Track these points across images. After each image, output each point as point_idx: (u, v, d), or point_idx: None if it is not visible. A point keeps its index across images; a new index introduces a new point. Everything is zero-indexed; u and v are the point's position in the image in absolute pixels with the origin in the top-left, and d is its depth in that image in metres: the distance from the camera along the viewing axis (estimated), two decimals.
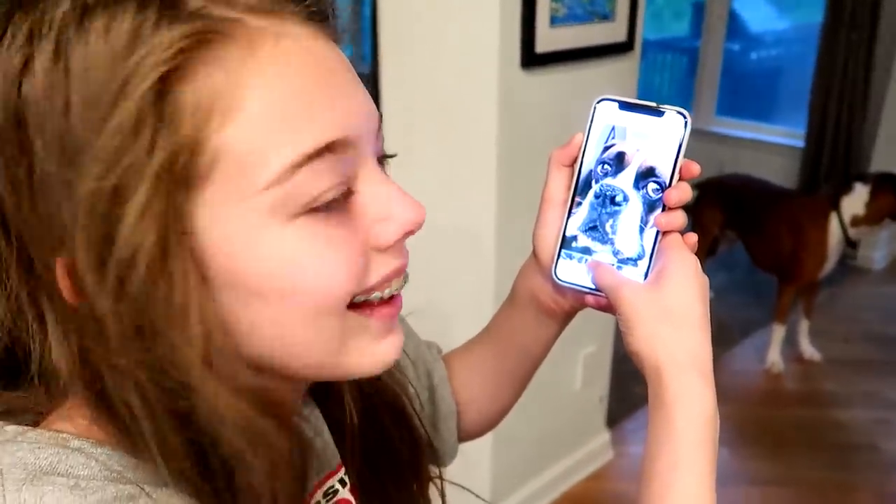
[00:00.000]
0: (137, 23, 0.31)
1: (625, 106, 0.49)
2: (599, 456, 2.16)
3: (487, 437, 1.74)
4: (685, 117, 0.48)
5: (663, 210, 0.48)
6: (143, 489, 0.34)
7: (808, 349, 2.72)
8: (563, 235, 0.51)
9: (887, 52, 3.32)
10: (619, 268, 0.49)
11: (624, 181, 0.49)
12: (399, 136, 1.55)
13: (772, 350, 2.66)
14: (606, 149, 0.49)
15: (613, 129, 0.49)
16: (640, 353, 0.47)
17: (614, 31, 1.63)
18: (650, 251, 0.48)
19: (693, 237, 0.50)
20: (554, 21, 1.49)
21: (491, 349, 0.65)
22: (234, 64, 0.33)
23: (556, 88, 1.57)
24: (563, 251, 0.51)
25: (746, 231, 2.82)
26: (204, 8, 0.33)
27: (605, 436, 2.18)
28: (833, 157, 3.63)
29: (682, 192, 0.48)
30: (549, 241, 0.52)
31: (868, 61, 3.42)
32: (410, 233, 0.40)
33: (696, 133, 2.66)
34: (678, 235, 0.49)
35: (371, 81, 1.52)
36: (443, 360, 0.67)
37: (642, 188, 0.49)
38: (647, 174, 0.48)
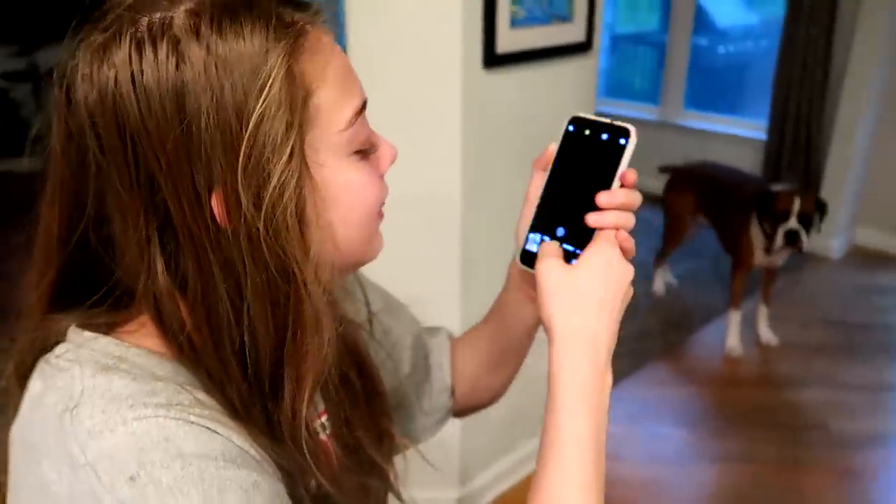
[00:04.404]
0: (264, 29, 0.46)
1: (588, 122, 0.58)
2: None
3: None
4: (630, 133, 0.56)
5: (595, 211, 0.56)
6: (186, 389, 0.47)
7: (766, 334, 2.84)
8: (529, 229, 0.60)
9: (845, 46, 3.44)
10: (579, 251, 0.57)
11: (578, 185, 0.57)
12: None
13: (730, 335, 2.78)
14: (570, 157, 0.58)
15: (578, 140, 0.58)
16: (544, 322, 0.55)
17: (573, 32, 1.71)
18: (585, 244, 0.56)
19: (628, 239, 0.57)
20: (514, 23, 1.56)
21: (488, 329, 0.76)
22: (314, 52, 0.48)
23: (518, 87, 1.65)
24: (526, 242, 0.60)
25: (715, 217, 2.93)
26: (294, 18, 0.48)
27: None
28: (794, 148, 3.75)
29: (615, 197, 0.55)
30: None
31: (826, 55, 3.54)
32: (393, 162, 0.57)
33: (664, 125, 2.80)
34: (610, 233, 0.55)
35: None
36: (451, 341, 0.79)
37: (590, 191, 0.56)
38: (595, 180, 0.56)
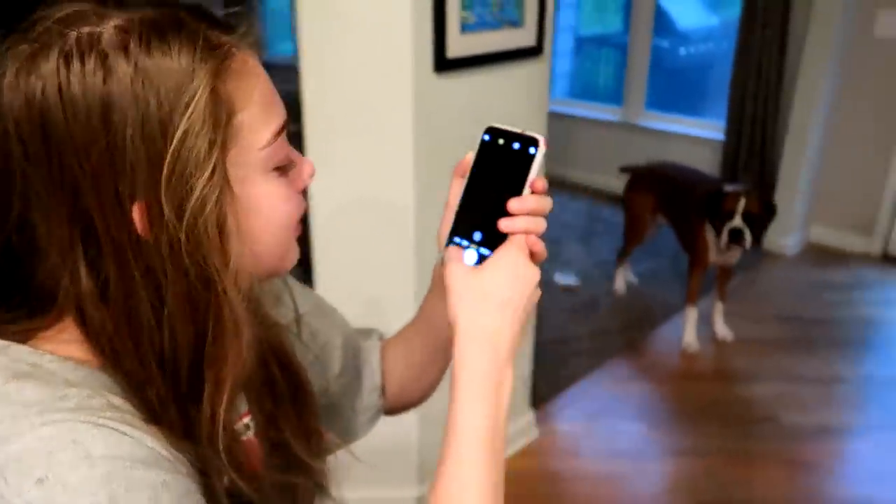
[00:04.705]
0: (192, 49, 0.48)
1: (502, 132, 0.60)
2: (525, 434, 2.29)
3: (414, 417, 1.84)
4: (539, 142, 0.59)
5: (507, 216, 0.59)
6: (100, 393, 0.48)
7: (722, 329, 2.91)
8: (449, 234, 0.62)
9: (798, 49, 3.53)
10: (477, 261, 0.60)
11: (492, 192, 0.60)
12: (320, 139, 1.63)
13: (687, 331, 2.84)
14: (486, 165, 0.61)
15: (493, 149, 0.61)
16: (450, 321, 0.57)
17: (524, 37, 1.74)
18: (493, 245, 0.59)
19: (537, 243, 0.60)
20: (465, 28, 1.59)
21: (416, 330, 0.78)
22: (239, 74, 0.51)
23: (470, 91, 1.68)
24: (448, 245, 0.62)
25: (673, 216, 3.00)
26: (221, 41, 0.50)
27: (529, 415, 2.31)
28: (750, 149, 3.85)
29: (525, 203, 0.58)
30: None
31: (780, 58, 3.63)
32: (311, 178, 0.60)
33: (625, 126, 2.87)
34: (520, 237, 0.58)
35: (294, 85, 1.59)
36: (382, 342, 0.81)
37: (503, 198, 0.59)
38: (508, 186, 0.59)
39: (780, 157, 3.70)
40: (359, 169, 1.66)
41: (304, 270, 1.84)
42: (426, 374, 0.79)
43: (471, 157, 0.62)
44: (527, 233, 0.58)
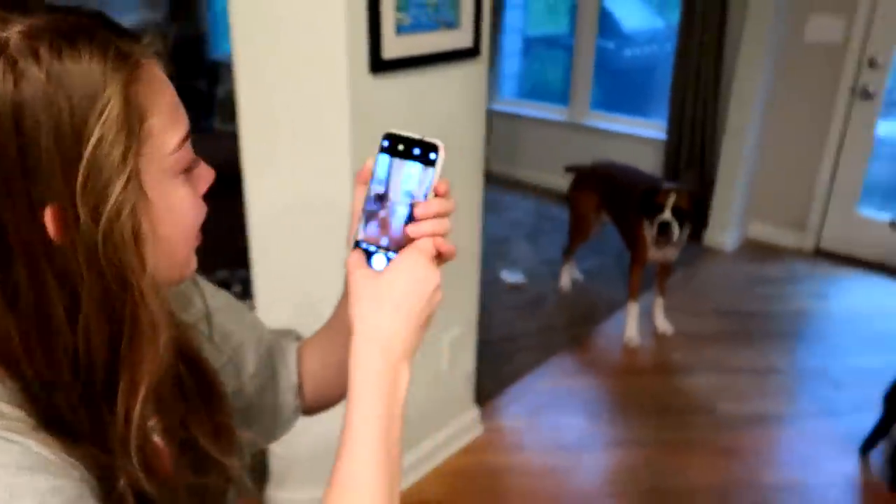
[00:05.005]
0: (103, 57, 0.49)
1: (401, 138, 0.61)
2: (469, 431, 2.32)
3: None
4: (438, 148, 0.60)
5: (413, 221, 0.61)
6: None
7: (662, 324, 3.00)
8: (355, 238, 0.63)
9: (735, 51, 3.65)
10: (387, 265, 0.61)
11: (395, 197, 0.61)
12: (256, 140, 1.63)
13: (628, 326, 2.92)
14: (386, 171, 0.62)
15: (393, 155, 0.62)
16: (350, 323, 0.59)
17: (460, 38, 1.77)
18: (399, 250, 0.61)
19: (444, 244, 0.61)
20: (400, 29, 1.61)
21: (331, 331, 0.79)
22: (148, 82, 0.52)
23: (407, 92, 1.70)
24: (358, 246, 0.63)
25: (615, 214, 3.07)
26: (131, 49, 0.51)
27: (473, 412, 2.34)
28: (691, 148, 3.96)
29: (430, 207, 0.60)
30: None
31: (718, 60, 3.75)
32: (210, 185, 0.61)
33: (571, 126, 2.95)
34: (427, 241, 0.60)
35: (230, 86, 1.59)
36: (301, 343, 0.82)
37: (406, 203, 0.61)
38: (409, 192, 0.61)
39: (719, 156, 3.82)
40: (296, 170, 1.66)
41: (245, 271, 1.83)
42: (343, 373, 0.80)
43: (371, 163, 0.63)
44: (433, 235, 0.60)
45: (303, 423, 1.81)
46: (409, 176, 0.61)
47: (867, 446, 2.30)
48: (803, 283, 3.51)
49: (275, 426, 0.81)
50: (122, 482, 0.52)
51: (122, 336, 0.51)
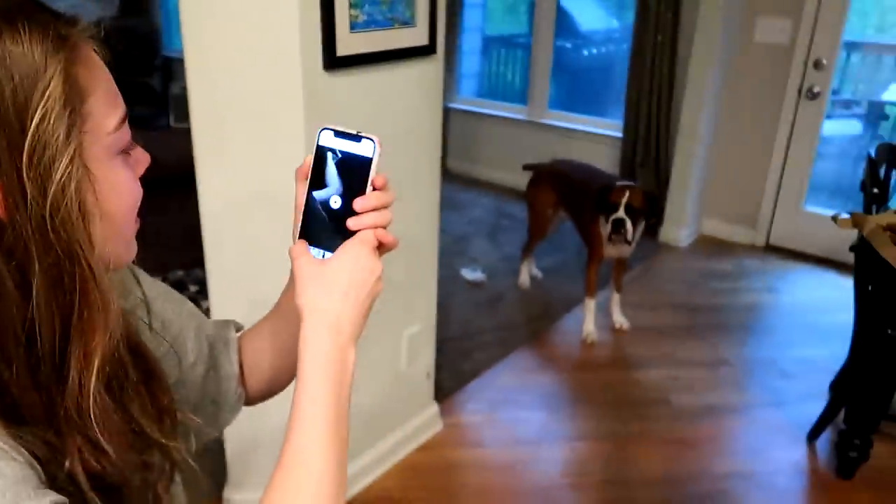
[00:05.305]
0: (44, 38, 0.50)
1: (338, 133, 0.63)
2: (429, 427, 2.33)
3: None
4: (374, 142, 0.62)
5: (353, 213, 0.63)
6: None
7: (619, 319, 3.05)
8: (299, 234, 0.65)
9: (687, 52, 3.73)
10: (324, 255, 0.63)
11: (334, 191, 0.63)
12: (209, 137, 1.61)
13: (586, 322, 2.96)
14: (325, 166, 0.63)
15: (331, 150, 0.63)
16: (298, 307, 0.61)
17: (416, 36, 1.78)
18: (342, 242, 0.63)
19: (386, 235, 0.64)
20: (354, 27, 1.61)
21: (272, 322, 0.81)
22: (87, 63, 0.54)
23: (362, 89, 1.70)
24: (298, 241, 0.65)
25: (572, 212, 3.12)
26: (70, 32, 0.53)
27: (433, 408, 2.35)
28: (646, 147, 4.04)
29: (368, 200, 0.63)
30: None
31: (671, 60, 3.83)
32: (146, 167, 0.62)
33: (530, 125, 2.99)
34: (368, 232, 0.63)
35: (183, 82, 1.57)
36: (243, 333, 0.84)
37: (345, 196, 0.63)
38: (349, 186, 0.62)
39: (673, 154, 3.90)
40: (250, 168, 1.65)
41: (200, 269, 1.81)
42: (283, 364, 0.82)
43: (309, 160, 0.64)
44: (374, 227, 0.63)
45: (260, 424, 1.81)
46: (348, 170, 0.62)
47: (814, 434, 2.38)
48: (754, 278, 3.61)
49: (218, 415, 0.82)
50: (72, 462, 0.52)
51: (73, 310, 0.52)
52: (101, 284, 0.53)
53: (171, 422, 0.65)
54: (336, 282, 0.61)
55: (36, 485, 0.49)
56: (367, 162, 0.62)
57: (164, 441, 0.62)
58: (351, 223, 0.62)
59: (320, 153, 0.63)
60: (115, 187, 0.56)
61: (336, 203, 0.63)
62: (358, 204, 0.62)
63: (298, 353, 0.60)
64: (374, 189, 0.63)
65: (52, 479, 0.52)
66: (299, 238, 0.65)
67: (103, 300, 0.53)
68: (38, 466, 0.51)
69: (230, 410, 0.82)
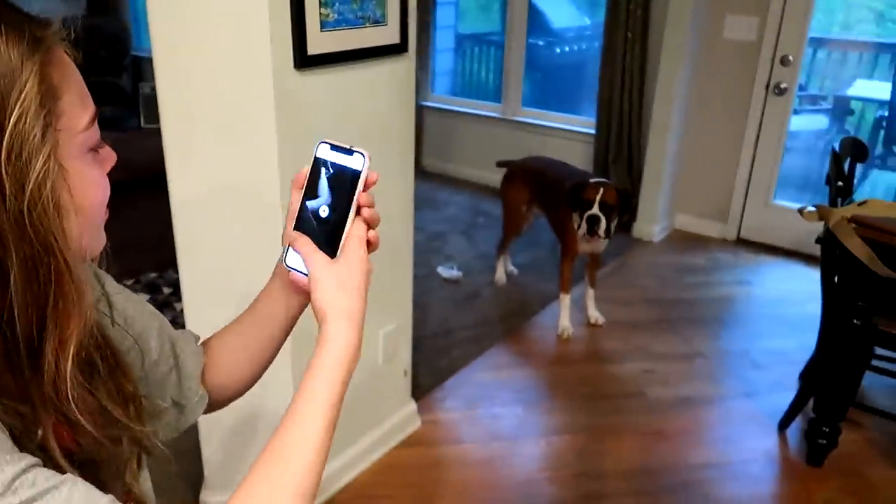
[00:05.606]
0: (20, 40, 0.52)
1: (334, 147, 0.68)
2: (407, 425, 2.34)
3: None
4: (364, 157, 0.67)
5: (351, 212, 0.68)
6: None
7: (594, 314, 3.08)
8: (292, 234, 0.70)
9: (658, 49, 3.78)
10: (329, 255, 0.68)
11: (324, 201, 0.69)
12: (179, 137, 1.60)
13: (561, 317, 2.99)
14: (319, 178, 0.69)
15: (325, 163, 0.69)
16: (317, 306, 0.66)
17: (387, 35, 1.78)
18: (341, 243, 0.68)
19: (374, 234, 0.71)
20: (325, 25, 1.60)
21: (244, 323, 0.84)
22: (60, 64, 0.56)
23: (334, 88, 1.70)
24: (290, 246, 0.70)
25: (546, 208, 3.14)
26: (44, 34, 0.55)
27: (411, 406, 2.36)
28: (619, 143, 4.08)
29: (367, 200, 0.69)
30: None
31: (643, 58, 3.88)
32: (113, 164, 0.64)
33: (504, 122, 3.02)
34: (363, 228, 0.69)
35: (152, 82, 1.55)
36: (209, 338, 0.86)
37: (333, 206, 0.68)
38: (338, 196, 0.68)
39: (644, 151, 3.95)
40: (222, 167, 1.64)
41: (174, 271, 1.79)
42: (249, 366, 0.85)
43: (306, 170, 0.70)
44: (368, 224, 0.69)
45: (238, 427, 1.80)
46: (338, 182, 0.68)
47: (785, 423, 2.43)
48: (726, 271, 3.67)
49: (179, 416, 0.82)
50: (46, 434, 0.55)
51: (48, 300, 0.55)
52: (76, 275, 0.56)
53: (137, 409, 0.67)
54: (351, 280, 0.67)
55: (11, 447, 0.52)
56: (356, 174, 0.67)
57: (132, 425, 0.64)
58: (347, 226, 0.68)
59: (316, 165, 0.69)
60: (87, 183, 0.59)
61: (324, 212, 0.68)
62: (351, 209, 0.68)
63: (319, 347, 0.65)
64: (364, 191, 0.68)
65: (22, 450, 0.53)
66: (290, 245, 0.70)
67: (78, 290, 0.56)
68: (8, 433, 0.53)
69: (191, 412, 0.83)
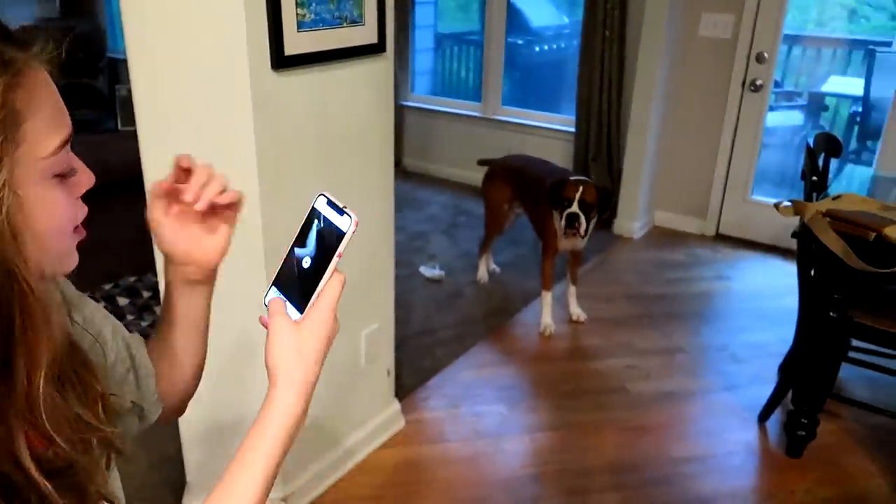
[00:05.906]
0: None
1: (330, 202, 0.69)
2: (391, 425, 2.34)
3: None
4: (352, 220, 0.67)
5: (328, 272, 0.67)
6: None
7: (576, 311, 3.10)
8: (276, 277, 0.70)
9: (635, 47, 3.81)
10: (298, 308, 0.68)
11: (311, 252, 0.69)
12: (154, 139, 1.59)
13: (543, 315, 3.00)
14: (312, 226, 0.69)
15: (318, 216, 0.69)
16: (269, 364, 0.66)
17: (364, 35, 1.78)
18: (313, 300, 0.68)
19: (340, 278, 0.68)
20: (302, 26, 1.60)
21: (164, 327, 0.86)
22: (29, 88, 0.54)
23: (312, 88, 1.69)
24: (272, 287, 0.71)
25: (527, 206, 3.15)
26: (14, 56, 0.54)
27: (395, 406, 2.36)
28: (598, 141, 4.11)
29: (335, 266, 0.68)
30: (176, 238, 0.79)
31: (620, 56, 3.90)
32: (89, 188, 0.64)
33: (485, 121, 3.05)
34: (334, 298, 0.68)
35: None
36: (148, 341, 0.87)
37: (315, 259, 0.68)
38: (321, 251, 0.68)
39: (623, 149, 3.98)
40: None
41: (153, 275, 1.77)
42: (179, 367, 0.87)
43: (171, 178, 0.73)
44: (339, 295, 0.68)
45: (219, 432, 1.79)
46: (324, 237, 0.68)
47: (765, 415, 2.46)
48: (706, 267, 3.70)
49: (140, 416, 0.83)
50: (19, 450, 0.54)
51: (13, 322, 0.54)
52: (40, 297, 0.55)
53: (105, 409, 0.66)
54: (309, 348, 0.66)
55: None
56: (341, 235, 0.67)
57: (102, 427, 0.64)
58: (319, 287, 0.67)
59: (311, 216, 0.69)
60: (47, 209, 0.58)
61: (307, 263, 0.69)
62: (328, 270, 0.67)
63: (265, 411, 0.66)
64: (340, 258, 0.67)
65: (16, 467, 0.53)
66: (273, 284, 0.70)
67: (44, 311, 0.55)
68: None
69: (150, 412, 0.84)
